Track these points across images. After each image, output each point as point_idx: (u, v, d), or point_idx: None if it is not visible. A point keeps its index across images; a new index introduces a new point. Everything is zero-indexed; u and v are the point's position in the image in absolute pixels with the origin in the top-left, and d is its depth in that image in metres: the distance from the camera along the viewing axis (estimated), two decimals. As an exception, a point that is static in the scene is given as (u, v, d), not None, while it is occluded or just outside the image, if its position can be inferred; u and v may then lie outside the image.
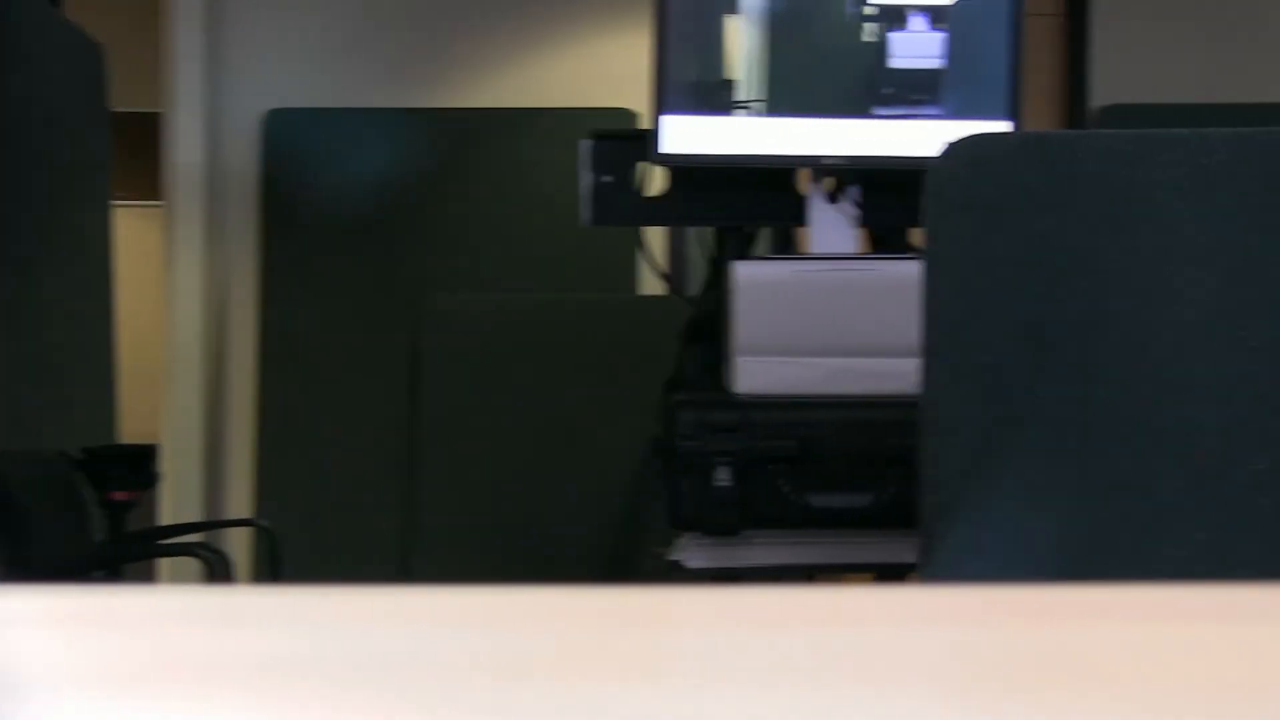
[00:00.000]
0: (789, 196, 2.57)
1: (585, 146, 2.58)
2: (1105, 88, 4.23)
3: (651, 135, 2.45)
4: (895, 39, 2.43)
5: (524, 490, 3.74)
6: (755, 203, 2.57)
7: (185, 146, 4.09)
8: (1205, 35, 4.25)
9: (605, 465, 3.46)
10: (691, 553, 2.32)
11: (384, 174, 4.09)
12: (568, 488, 3.71)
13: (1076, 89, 4.21)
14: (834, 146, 2.44)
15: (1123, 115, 4.18)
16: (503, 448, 3.77)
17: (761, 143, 2.44)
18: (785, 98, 2.43)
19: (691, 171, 2.54)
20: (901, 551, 2.22)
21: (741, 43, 2.43)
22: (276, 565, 3.47)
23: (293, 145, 4.09)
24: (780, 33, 2.42)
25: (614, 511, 2.77)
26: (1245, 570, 1.58)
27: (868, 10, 2.42)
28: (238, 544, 3.93)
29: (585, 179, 2.57)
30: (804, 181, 2.55)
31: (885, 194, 2.52)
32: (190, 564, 3.53)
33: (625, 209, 2.59)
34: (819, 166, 2.48)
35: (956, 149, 1.61)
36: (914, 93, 2.44)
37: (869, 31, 2.43)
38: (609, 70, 4.13)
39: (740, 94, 2.43)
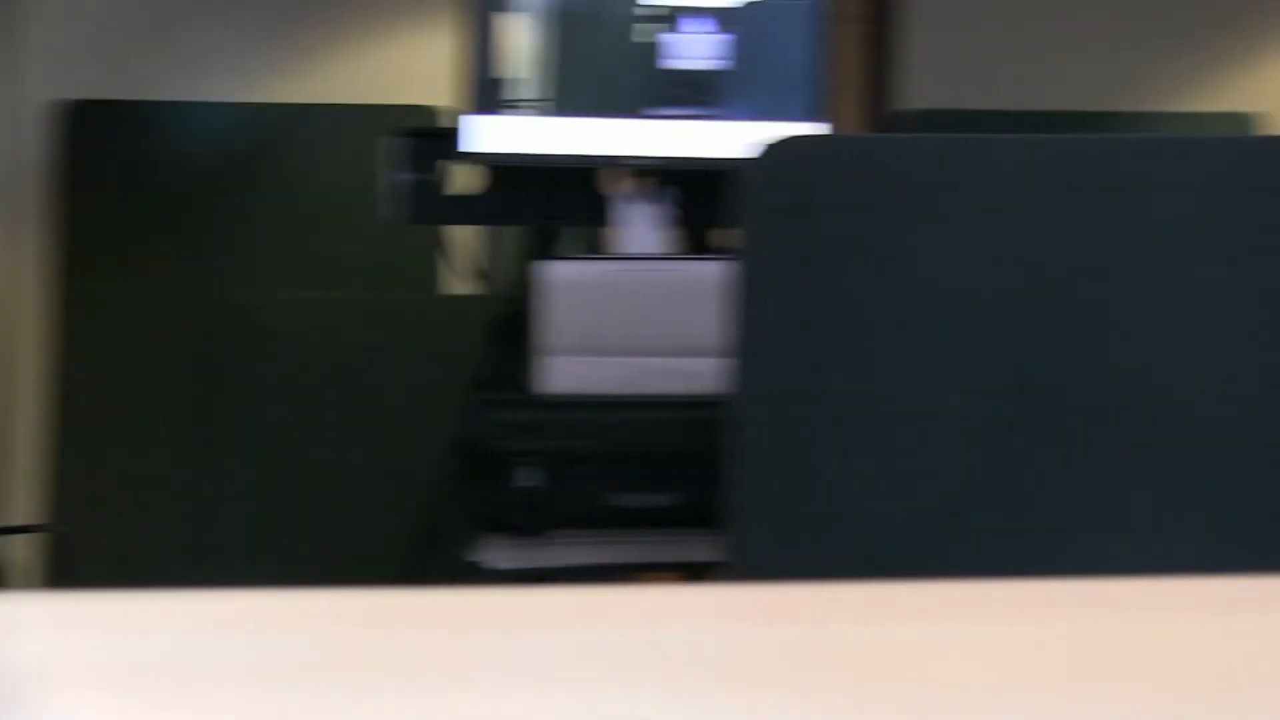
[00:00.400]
0: (596, 196, 2.57)
1: (388, 144, 2.55)
2: (914, 93, 4.29)
3: (456, 134, 2.43)
4: (672, 40, 2.44)
5: (325, 492, 3.70)
6: (562, 202, 2.57)
7: (-25, 138, 3.99)
8: (1013, 43, 4.34)
9: (408, 466, 3.43)
10: (495, 554, 2.31)
11: (185, 170, 4.03)
12: (369, 489, 3.67)
13: (886, 94, 4.28)
14: (640, 147, 2.45)
15: (931, 121, 4.26)
16: (302, 448, 3.73)
17: (568, 142, 2.44)
18: (568, 98, 2.43)
19: (498, 170, 2.53)
20: (707, 550, 2.23)
21: (525, 42, 2.42)
22: (73, 571, 3.39)
23: (90, 138, 4.01)
24: (562, 33, 2.42)
25: (417, 513, 2.75)
26: (1040, 564, 1.61)
27: (645, 11, 2.43)
28: (31, 551, 3.84)
29: (388, 177, 2.55)
30: (612, 181, 2.56)
31: (694, 194, 2.53)
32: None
33: (428, 208, 2.57)
34: (625, 166, 2.49)
35: (762, 151, 1.63)
36: (694, 94, 2.45)
37: (646, 32, 2.43)
38: (413, 67, 4.10)
39: (524, 93, 2.43)
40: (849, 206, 1.62)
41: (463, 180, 2.58)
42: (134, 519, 3.83)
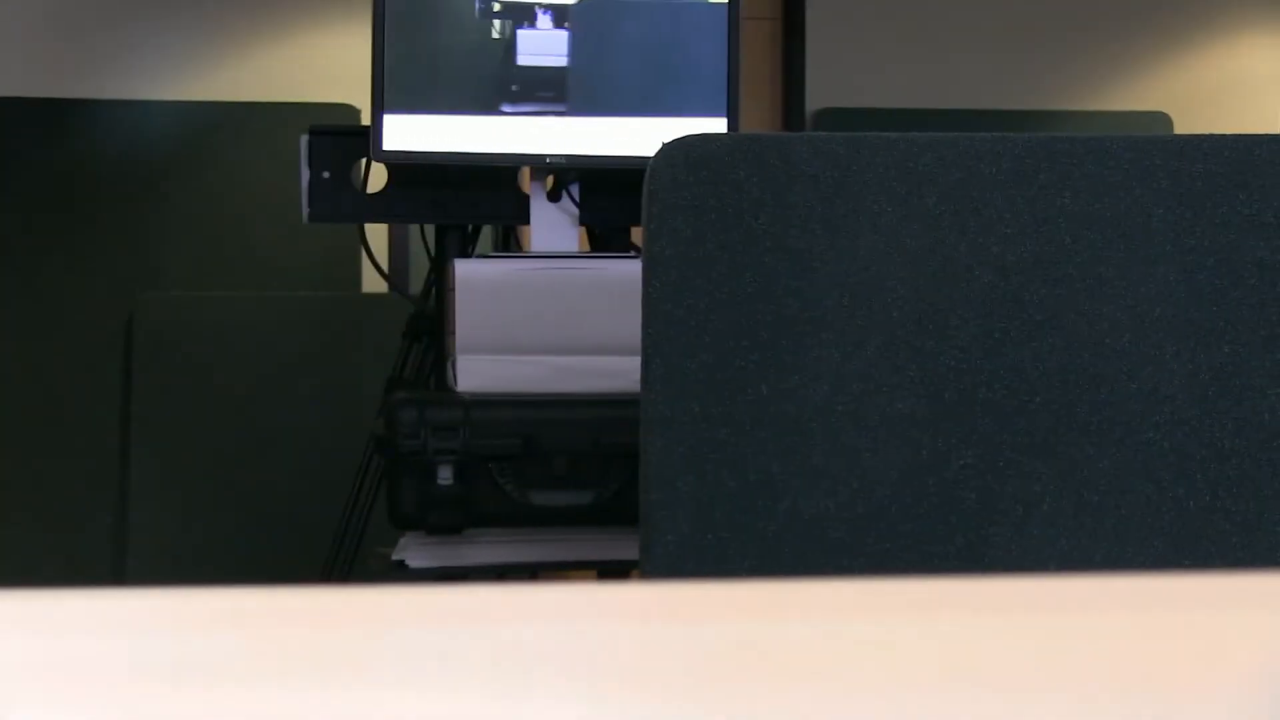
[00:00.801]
0: (510, 195, 2.57)
1: (304, 142, 2.54)
2: (819, 92, 4.32)
3: (372, 131, 2.43)
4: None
5: (242, 490, 3.68)
6: (476, 201, 2.57)
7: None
8: (915, 42, 4.37)
9: (327, 465, 3.42)
10: (414, 552, 2.31)
11: (95, 167, 3.99)
12: (288, 488, 3.65)
13: (792, 93, 4.29)
14: (555, 145, 2.45)
15: (836, 119, 4.28)
16: (219, 447, 3.70)
17: (482, 141, 2.44)
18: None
19: (413, 168, 2.52)
20: (623, 548, 2.24)
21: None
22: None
23: (5, 137, 3.96)
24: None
25: (336, 511, 2.74)
26: (963, 560, 1.63)
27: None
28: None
29: (305, 175, 2.54)
30: (525, 180, 2.56)
31: (606, 193, 2.53)
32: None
33: (345, 206, 2.56)
34: (540, 165, 2.49)
35: (672, 149, 1.63)
36: (599, 92, 2.45)
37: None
38: (330, 65, 4.08)
39: (433, 92, 2.42)
40: (758, 204, 1.63)
41: (380, 178, 2.57)
42: (46, 522, 3.79)
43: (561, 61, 2.45)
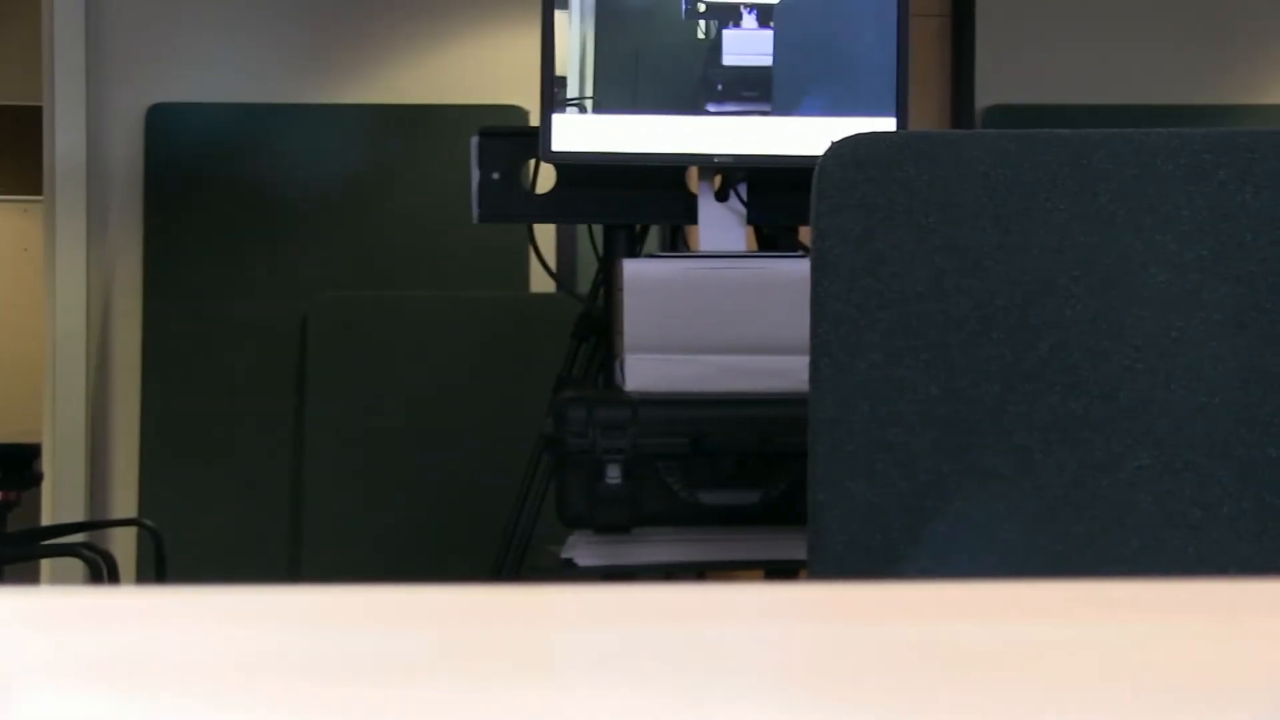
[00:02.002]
0: (678, 194, 2.58)
1: (474, 143, 2.57)
2: (989, 89, 4.27)
3: (541, 132, 2.44)
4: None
5: (414, 489, 3.72)
6: (644, 200, 2.58)
7: (66, 140, 4.03)
8: (1086, 37, 4.31)
9: (497, 463, 3.44)
10: (583, 550, 2.32)
11: (271, 171, 4.06)
12: (458, 486, 3.69)
13: (961, 90, 4.25)
14: (723, 145, 2.45)
15: (1006, 116, 4.23)
16: (391, 446, 3.75)
17: (651, 141, 2.44)
18: (638, 96, 2.43)
19: (581, 169, 2.54)
20: (791, 549, 2.23)
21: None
22: (162, 566, 3.43)
23: (178, 140, 4.04)
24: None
25: (505, 509, 2.76)
26: (1121, 564, 1.61)
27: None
28: (123, 545, 3.88)
29: (475, 176, 2.57)
30: (693, 180, 2.56)
31: (774, 192, 2.53)
32: (74, 565, 3.48)
33: (514, 206, 2.58)
34: (708, 165, 2.49)
35: (841, 148, 1.62)
36: (768, 91, 2.44)
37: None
38: (501, 66, 4.11)
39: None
40: (928, 202, 1.61)
41: (548, 179, 2.59)
42: (225, 517, 3.86)
43: (767, 61, 2.45)
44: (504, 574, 2.72)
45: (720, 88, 2.43)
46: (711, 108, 2.43)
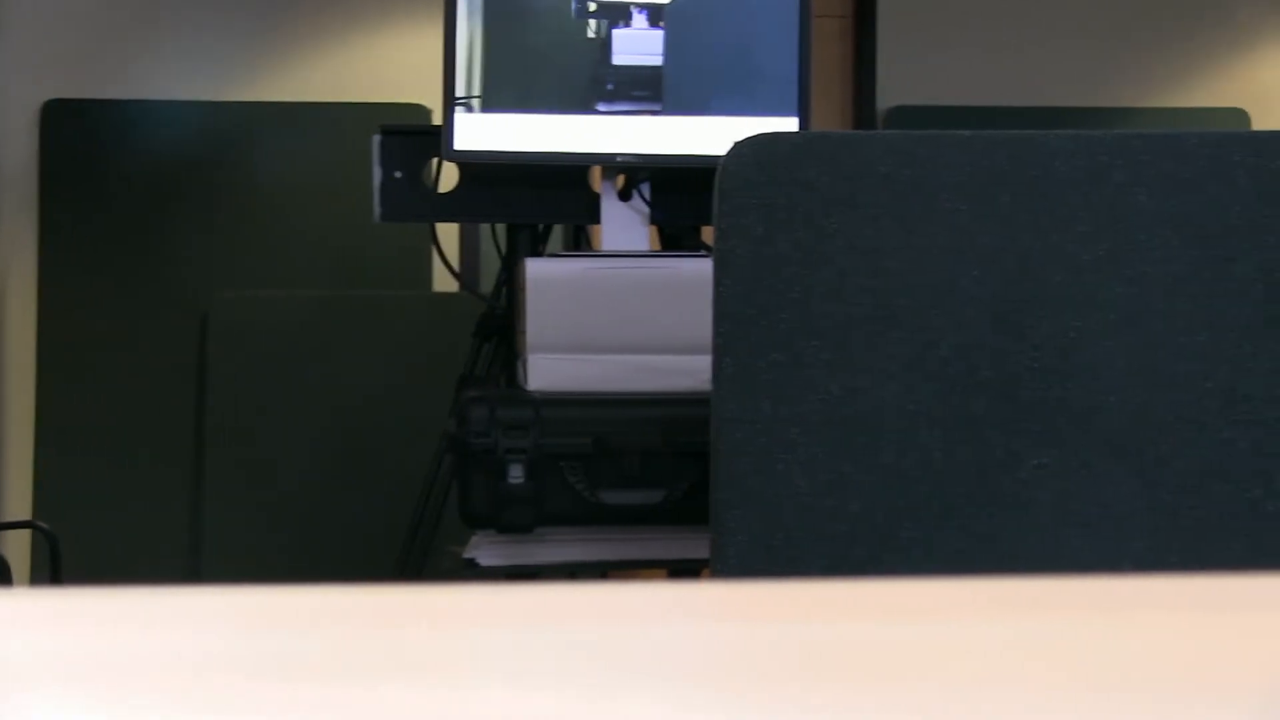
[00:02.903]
0: (581, 194, 2.58)
1: (376, 142, 2.56)
2: (891, 90, 4.30)
3: (444, 131, 2.44)
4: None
5: (314, 489, 3.70)
6: (547, 200, 2.57)
7: (-39, 138, 3.98)
8: (987, 39, 4.35)
9: (398, 463, 3.43)
10: (485, 550, 2.32)
11: (169, 168, 4.02)
12: (359, 486, 3.67)
13: (863, 90, 4.28)
14: (626, 144, 2.45)
15: (908, 117, 4.26)
16: (291, 445, 3.73)
17: (553, 140, 2.44)
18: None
19: (483, 168, 2.53)
20: (694, 548, 2.24)
21: (459, 37, 2.42)
22: (57, 568, 3.39)
23: (72, 137, 4.00)
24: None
25: (407, 509, 2.75)
26: (1021, 562, 1.62)
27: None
28: (17, 547, 3.83)
29: (376, 175, 2.55)
30: (596, 179, 2.56)
31: (676, 192, 2.53)
32: (-33, 567, 3.43)
33: (416, 205, 2.57)
34: (611, 164, 2.49)
35: (743, 148, 1.63)
36: (637, 89, 2.45)
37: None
38: (403, 65, 4.10)
39: (458, 89, 2.42)
40: (830, 203, 1.62)
41: (451, 178, 2.58)
42: (122, 517, 3.82)
43: (657, 61, 2.45)
44: (406, 574, 2.70)
45: (611, 87, 2.43)
46: (602, 107, 2.43)
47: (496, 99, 2.42)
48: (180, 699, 0.56)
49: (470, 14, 2.42)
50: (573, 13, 2.43)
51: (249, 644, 0.62)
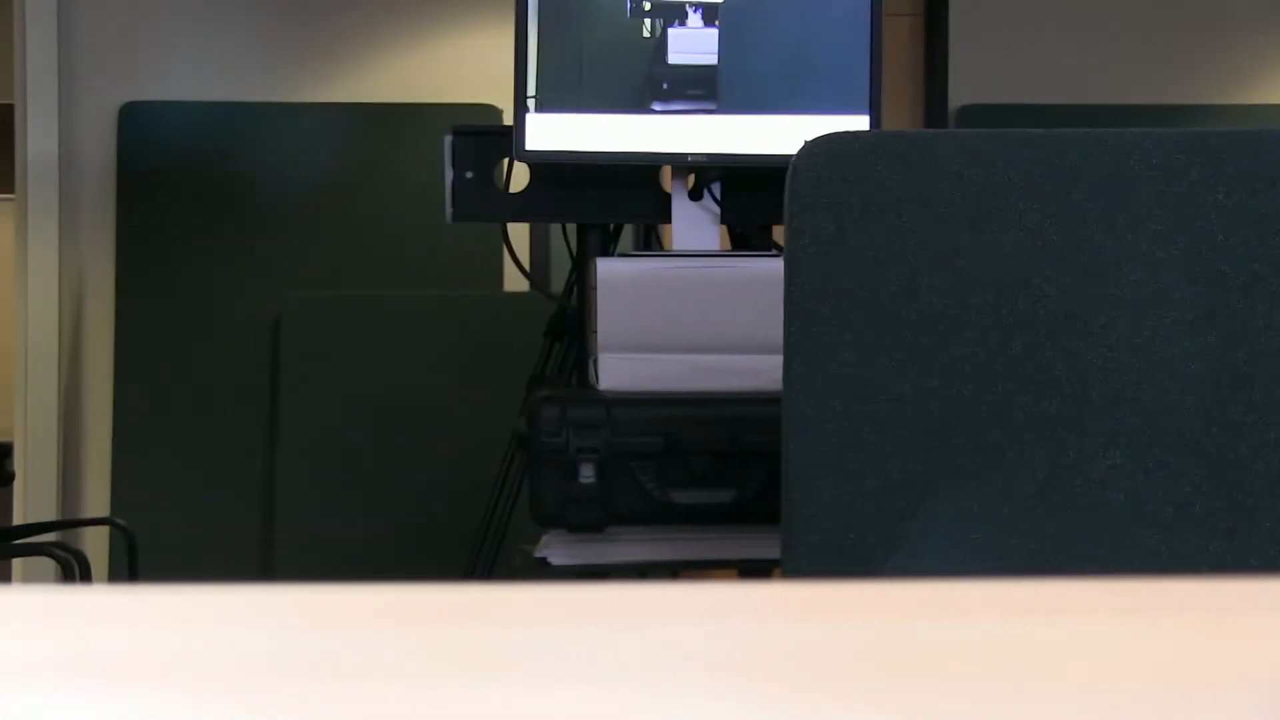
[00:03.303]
0: (651, 193, 2.58)
1: (447, 143, 2.56)
2: (962, 88, 4.28)
3: (515, 131, 2.44)
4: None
5: (385, 487, 3.72)
6: (618, 199, 2.57)
7: (38, 138, 4.02)
8: (1059, 37, 4.32)
9: (469, 462, 3.44)
10: (556, 550, 2.32)
11: (244, 170, 4.05)
12: (430, 485, 3.69)
13: (935, 89, 4.26)
14: (697, 144, 2.45)
15: (979, 115, 4.24)
16: (363, 445, 3.74)
17: (623, 140, 2.44)
18: (556, 94, 2.43)
19: (554, 168, 2.53)
20: (764, 548, 2.23)
21: (560, 42, 2.42)
22: (134, 565, 3.42)
23: (150, 139, 4.03)
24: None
25: (478, 508, 2.76)
26: (1092, 563, 1.61)
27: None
28: (95, 544, 3.87)
29: (448, 175, 2.56)
30: (667, 179, 2.56)
31: (747, 191, 2.53)
32: (46, 564, 3.47)
33: (487, 205, 2.58)
34: (682, 164, 2.49)
35: (814, 147, 1.63)
36: (692, 88, 2.44)
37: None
38: (475, 65, 4.11)
39: (568, 92, 2.42)
40: (901, 202, 1.62)
41: (522, 178, 2.59)
42: (197, 515, 3.86)
43: (712, 59, 2.45)
44: (477, 573, 2.71)
45: (666, 86, 2.43)
46: (657, 106, 2.43)
47: (551, 99, 2.42)
48: (251, 698, 0.56)
49: (528, 14, 2.42)
50: (627, 12, 2.43)
51: (321, 642, 0.63)
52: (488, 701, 0.55)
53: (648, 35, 2.44)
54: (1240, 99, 4.34)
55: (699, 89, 2.44)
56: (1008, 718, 0.55)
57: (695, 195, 2.52)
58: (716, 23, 2.44)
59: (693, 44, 2.44)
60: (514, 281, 3.96)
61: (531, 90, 2.43)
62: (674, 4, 2.43)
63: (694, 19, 2.44)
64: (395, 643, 0.63)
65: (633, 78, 2.44)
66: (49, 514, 3.96)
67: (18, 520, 3.97)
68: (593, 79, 2.44)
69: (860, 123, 2.45)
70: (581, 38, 2.43)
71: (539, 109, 2.42)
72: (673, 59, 2.44)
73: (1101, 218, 1.62)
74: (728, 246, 2.60)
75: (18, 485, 4.00)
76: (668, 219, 2.53)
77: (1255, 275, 1.61)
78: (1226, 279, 1.61)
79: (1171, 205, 1.62)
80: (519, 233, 3.65)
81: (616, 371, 2.36)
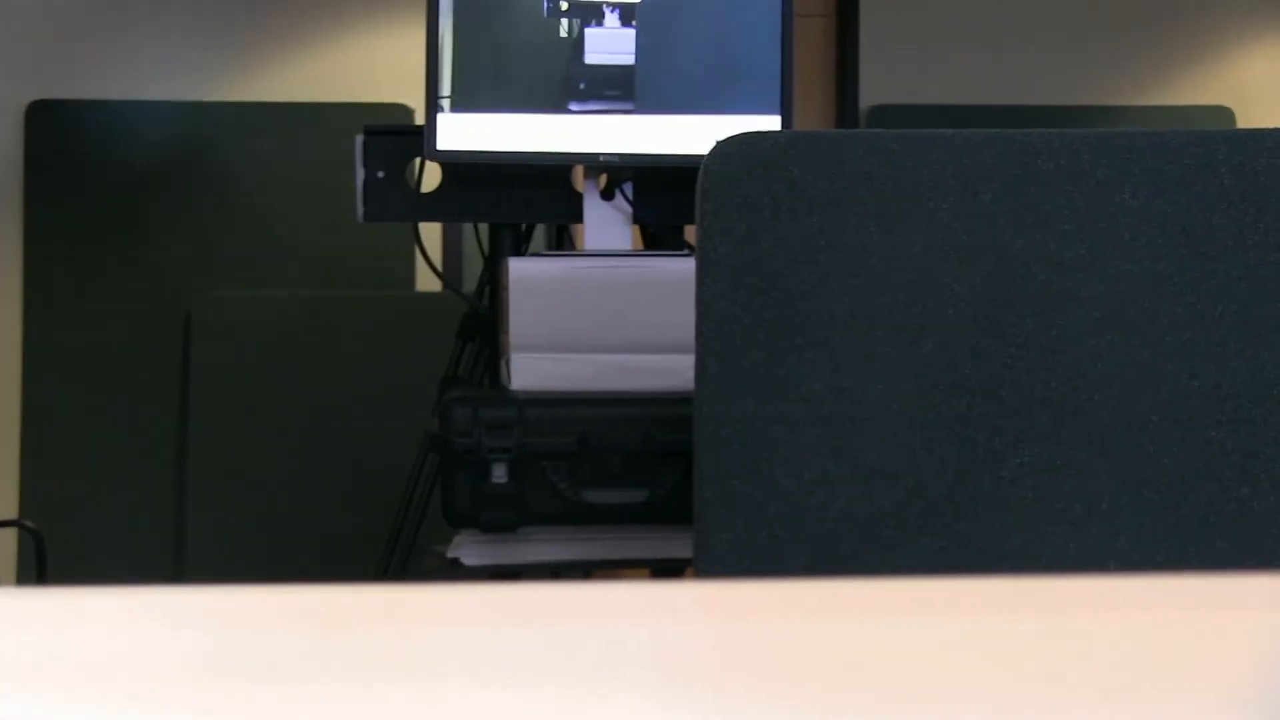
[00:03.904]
0: (564, 193, 2.57)
1: (359, 142, 2.55)
2: (872, 88, 4.30)
3: (426, 131, 2.43)
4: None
5: (298, 488, 3.70)
6: (530, 199, 2.57)
7: (-57, 138, 3.97)
8: (969, 38, 4.35)
9: (381, 463, 3.43)
10: (469, 550, 2.32)
11: (152, 168, 4.01)
12: (342, 486, 3.67)
13: (846, 89, 4.28)
14: (608, 144, 2.45)
15: (890, 116, 4.26)
16: (275, 445, 3.72)
17: (536, 140, 2.44)
18: (474, 94, 2.42)
19: (466, 168, 2.53)
20: (677, 547, 2.24)
21: (474, 40, 2.42)
22: (43, 567, 3.38)
23: (57, 138, 3.99)
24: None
25: (391, 509, 2.75)
26: (1005, 561, 1.62)
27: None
28: (3, 546, 3.83)
29: (359, 174, 2.55)
30: (579, 179, 2.56)
31: (659, 191, 2.53)
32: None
33: (399, 205, 2.57)
34: (594, 164, 2.49)
35: (725, 147, 1.63)
36: (609, 88, 2.45)
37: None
38: (385, 65, 4.09)
39: (478, 91, 2.42)
40: (812, 202, 1.62)
41: (434, 178, 2.58)
42: (106, 516, 3.82)
43: (629, 60, 2.45)
44: (390, 574, 2.70)
45: (583, 86, 2.43)
46: (574, 106, 2.43)
47: (468, 98, 2.42)
48: (162, 699, 0.56)
49: (443, 13, 2.41)
50: (544, 12, 2.43)
51: (232, 643, 0.62)
52: (400, 701, 0.55)
53: (565, 35, 2.43)
54: (1148, 100, 4.39)
55: (616, 89, 2.44)
56: (910, 713, 0.55)
57: (608, 195, 2.52)
58: (634, 23, 2.45)
59: (610, 44, 2.44)
60: (426, 281, 3.95)
61: (446, 90, 2.42)
62: (591, 4, 2.43)
63: (611, 19, 2.44)
64: (307, 643, 0.62)
65: (549, 77, 2.43)
66: (-46, 517, 3.90)
67: (-78, 523, 3.92)
68: (509, 79, 2.43)
69: (772, 123, 2.46)
70: (498, 37, 2.43)
71: (454, 108, 2.42)
72: (590, 59, 2.44)
73: (1011, 218, 1.63)
74: (640, 246, 2.60)
75: (-78, 488, 3.95)
76: (580, 219, 2.53)
77: (1161, 274, 1.63)
78: (1133, 278, 1.63)
79: (1079, 205, 1.63)
80: (431, 232, 3.65)
81: (529, 371, 2.36)
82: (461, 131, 2.43)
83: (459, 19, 2.41)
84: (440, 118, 2.42)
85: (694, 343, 1.63)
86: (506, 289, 2.38)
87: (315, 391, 3.73)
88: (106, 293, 3.93)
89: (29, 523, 3.41)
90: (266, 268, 3.98)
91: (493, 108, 2.42)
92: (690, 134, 2.45)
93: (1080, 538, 1.62)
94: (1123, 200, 1.63)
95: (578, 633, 0.65)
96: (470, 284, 2.94)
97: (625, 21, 2.45)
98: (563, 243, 2.76)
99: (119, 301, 3.93)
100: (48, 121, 3.99)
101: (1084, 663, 0.62)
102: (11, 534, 3.84)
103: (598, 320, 2.36)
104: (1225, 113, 4.36)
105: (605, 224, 2.51)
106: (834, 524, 1.60)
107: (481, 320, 2.63)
